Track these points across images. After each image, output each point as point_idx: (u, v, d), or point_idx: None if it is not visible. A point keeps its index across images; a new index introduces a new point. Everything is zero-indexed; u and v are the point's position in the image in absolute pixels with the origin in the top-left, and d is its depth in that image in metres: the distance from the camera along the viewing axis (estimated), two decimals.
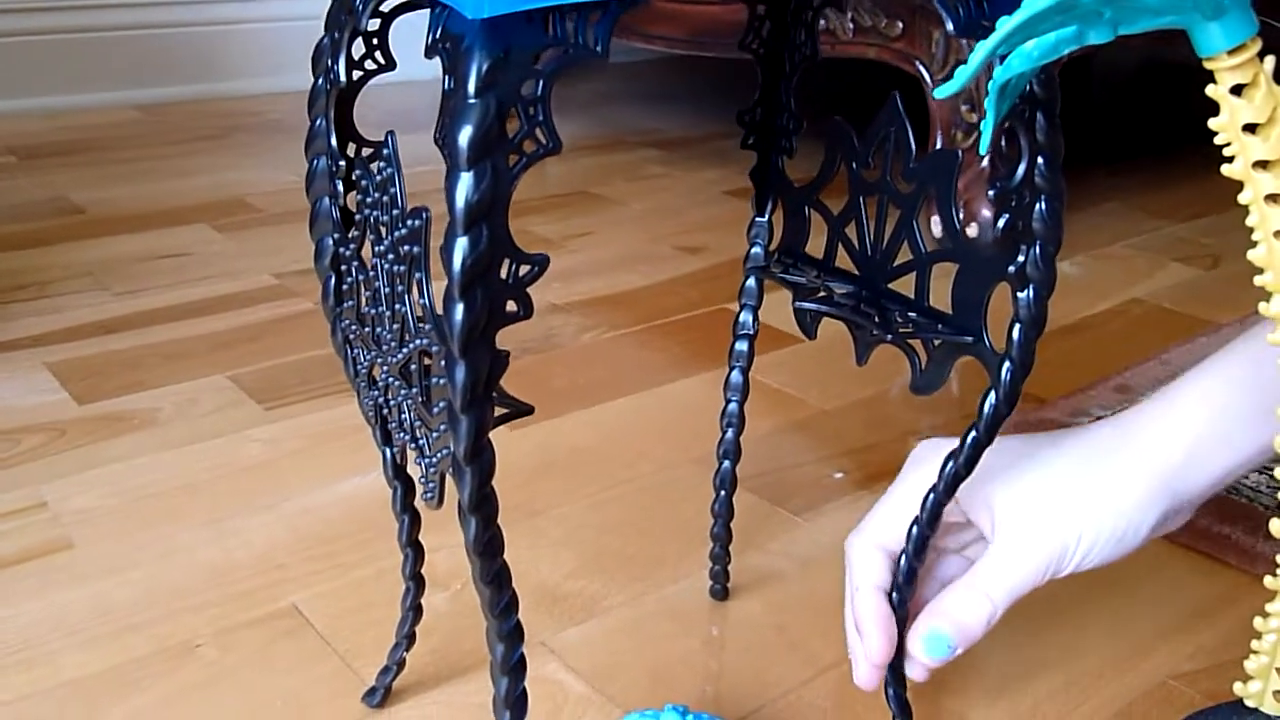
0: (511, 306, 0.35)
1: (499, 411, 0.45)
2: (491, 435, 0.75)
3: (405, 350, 0.41)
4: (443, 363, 0.36)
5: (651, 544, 0.75)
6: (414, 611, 0.57)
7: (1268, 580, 0.44)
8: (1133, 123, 2.08)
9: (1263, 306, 0.39)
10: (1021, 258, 0.46)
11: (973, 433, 0.49)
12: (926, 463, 0.53)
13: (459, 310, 0.33)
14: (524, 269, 0.35)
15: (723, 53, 1.55)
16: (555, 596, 0.69)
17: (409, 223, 0.39)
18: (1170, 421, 0.52)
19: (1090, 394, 0.95)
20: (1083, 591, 0.71)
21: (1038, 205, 0.45)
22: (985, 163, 1.23)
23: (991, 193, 0.45)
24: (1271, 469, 0.82)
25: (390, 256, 0.41)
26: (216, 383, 0.97)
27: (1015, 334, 0.47)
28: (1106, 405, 0.93)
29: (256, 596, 0.69)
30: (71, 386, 0.95)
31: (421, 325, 0.40)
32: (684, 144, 1.85)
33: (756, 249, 0.61)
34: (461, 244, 0.32)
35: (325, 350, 1.01)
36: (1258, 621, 0.45)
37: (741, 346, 0.63)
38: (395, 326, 0.42)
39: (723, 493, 0.66)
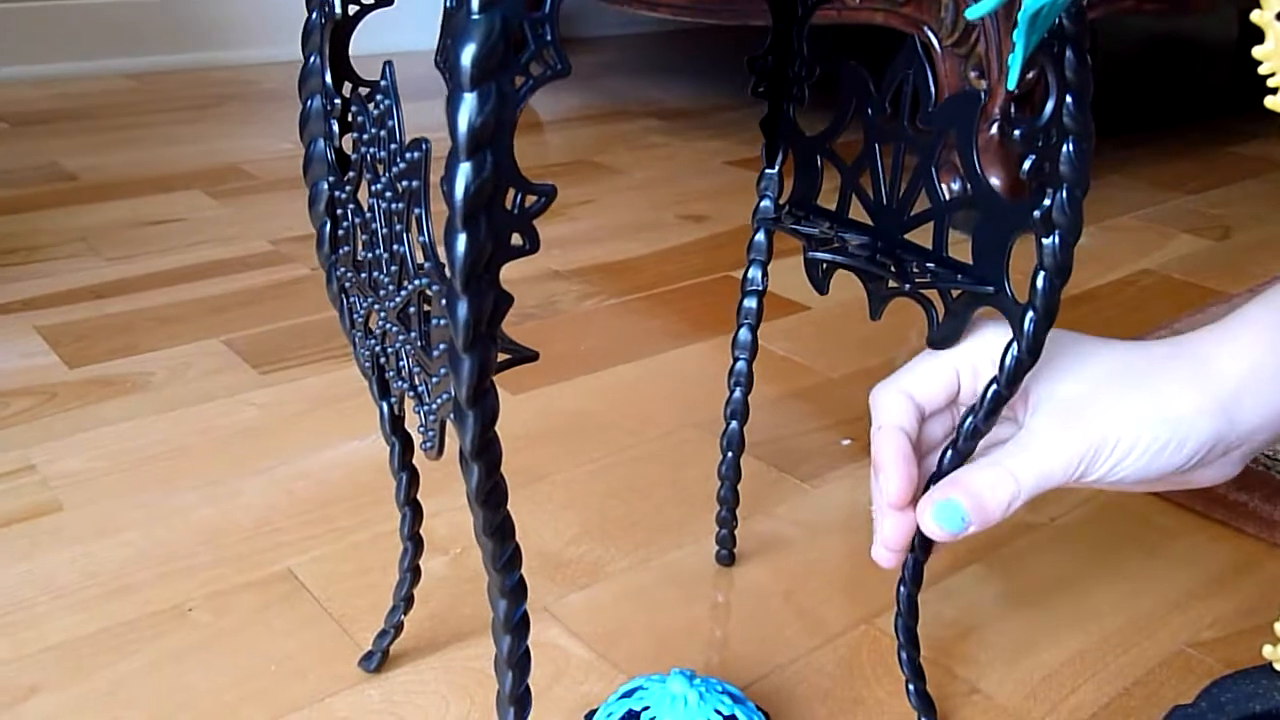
0: (517, 240, 0.33)
1: (502, 357, 0.43)
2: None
3: (404, 293, 0.39)
4: (443, 302, 0.34)
5: (656, 509, 0.73)
6: (412, 573, 0.55)
7: None
8: (1140, 97, 2.06)
9: None
10: (1047, 202, 0.44)
11: (993, 386, 0.47)
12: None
13: (461, 241, 0.31)
14: (530, 199, 0.33)
15: (727, 20, 1.53)
16: (558, 562, 0.68)
17: (408, 155, 0.37)
18: (1229, 345, 0.48)
19: None
20: (1097, 559, 0.69)
21: (1065, 146, 0.43)
22: (995, 129, 1.21)
23: (1017, 132, 0.43)
24: None
25: (388, 195, 0.39)
26: (210, 347, 0.95)
27: (1039, 282, 0.45)
28: None
29: (250, 560, 0.67)
30: (62, 350, 0.93)
31: (421, 265, 0.38)
32: (687, 115, 1.83)
33: (766, 202, 0.59)
34: (464, 170, 0.30)
35: (322, 315, 1.00)
36: None
37: (750, 303, 0.61)
38: (393, 269, 0.40)
39: (729, 454, 0.64)
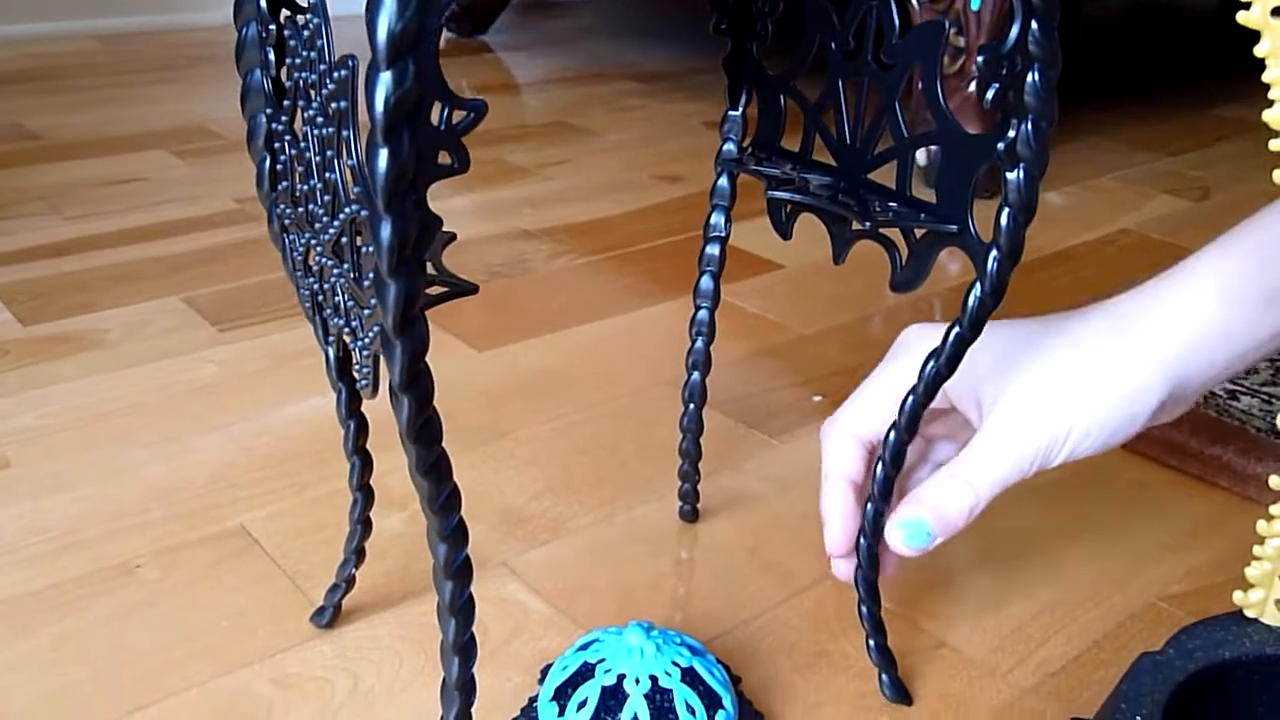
0: (445, 158, 0.31)
1: (438, 290, 0.41)
2: (457, 355, 0.72)
3: (337, 222, 0.38)
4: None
5: (621, 466, 0.72)
6: (362, 525, 0.53)
7: (1273, 480, 0.41)
8: (1121, 62, 2.04)
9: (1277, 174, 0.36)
10: (1011, 134, 0.42)
11: (956, 328, 0.46)
12: (911, 351, 0.50)
13: (383, 157, 0.29)
14: (458, 115, 0.31)
15: None
16: (519, 518, 0.66)
17: (336, 74, 0.35)
18: (1172, 306, 0.48)
19: None
20: (1069, 515, 0.68)
21: (1030, 75, 0.41)
22: (974, 87, 1.19)
23: (980, 58, 0.42)
24: (1266, 390, 0.79)
25: (320, 120, 0.37)
26: (170, 305, 0.92)
27: (1003, 219, 0.43)
28: None
29: (203, 516, 0.65)
30: (16, 308, 0.91)
31: (353, 192, 0.36)
32: (664, 77, 1.80)
33: (729, 145, 0.57)
34: (385, 80, 0.28)
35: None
36: (1261, 525, 0.42)
37: (712, 250, 0.59)
38: (327, 199, 0.38)
39: (691, 406, 0.62)
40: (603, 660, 0.48)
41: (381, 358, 0.35)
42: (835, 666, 0.55)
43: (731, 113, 0.57)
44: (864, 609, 0.53)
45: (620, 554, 0.64)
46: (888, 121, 0.48)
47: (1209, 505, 0.69)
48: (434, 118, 0.31)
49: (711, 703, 0.48)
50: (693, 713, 0.47)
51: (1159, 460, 0.73)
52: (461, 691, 0.40)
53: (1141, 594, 0.61)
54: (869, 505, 0.50)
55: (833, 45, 0.50)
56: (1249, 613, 0.43)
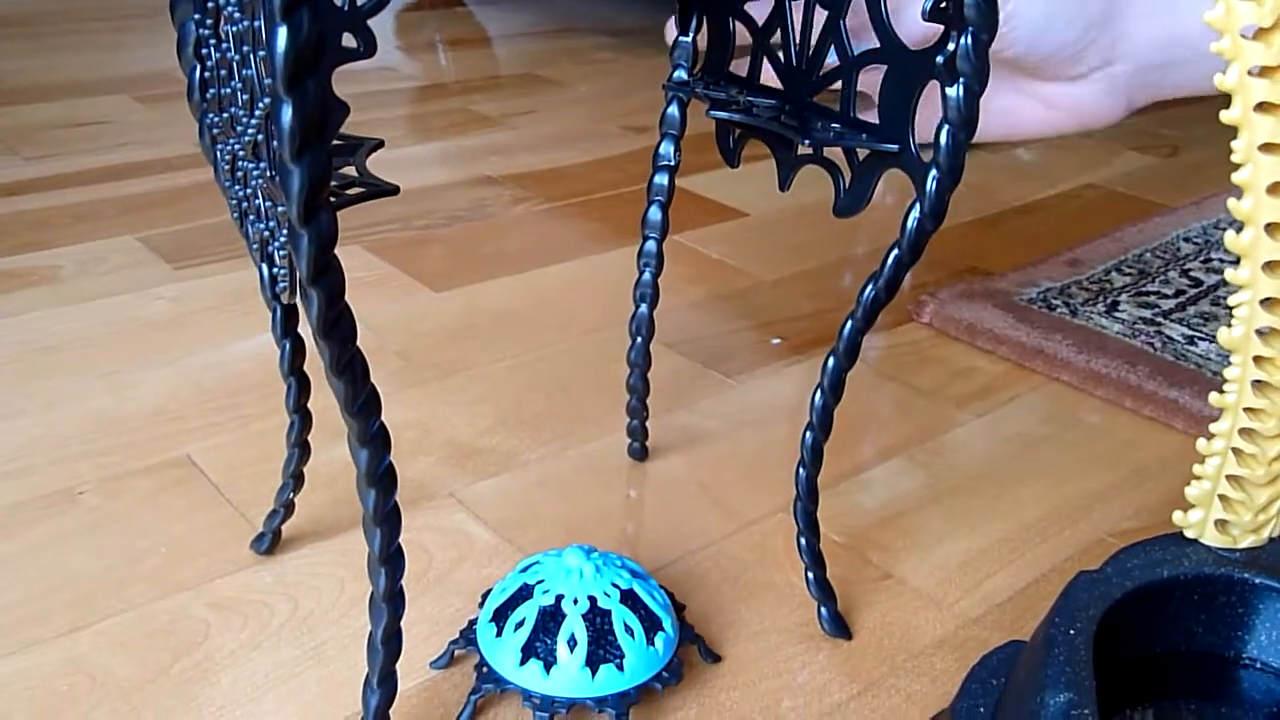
0: (350, 41, 0.30)
1: (356, 190, 0.40)
2: (415, 296, 0.71)
3: (255, 120, 0.37)
4: None
5: (573, 403, 0.71)
6: (300, 449, 0.52)
7: (1213, 396, 0.40)
8: None
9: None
10: (951, 46, 0.41)
11: (895, 251, 0.45)
12: None
13: (281, 35, 0.28)
14: None
15: None
16: (469, 451, 0.65)
17: None
18: None
19: (1041, 267, 0.92)
20: (1022, 454, 0.68)
21: None
22: None
23: None
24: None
25: (236, 15, 0.36)
26: (125, 243, 0.91)
27: (943, 137, 0.42)
28: (1056, 278, 0.89)
29: (148, 446, 0.64)
30: None
31: (265, 85, 0.35)
32: (637, 32, 1.79)
33: (679, 72, 0.56)
34: None
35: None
36: (1201, 444, 0.41)
37: (661, 180, 0.58)
38: (245, 97, 0.37)
39: (639, 340, 0.61)
40: (541, 581, 0.48)
41: None
42: (779, 597, 0.55)
43: (682, 39, 0.55)
44: (803, 541, 0.52)
45: (569, 487, 0.63)
46: (832, 40, 0.48)
47: (1164, 447, 0.69)
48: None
49: (651, 625, 0.47)
50: (631, 634, 0.46)
51: (1116, 403, 0.73)
52: (389, 604, 0.39)
53: (1092, 530, 0.61)
54: (807, 434, 0.50)
55: None
56: (1189, 533, 0.43)
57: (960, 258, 0.95)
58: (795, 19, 0.49)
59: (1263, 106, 0.35)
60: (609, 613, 0.47)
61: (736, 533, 0.60)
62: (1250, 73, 0.34)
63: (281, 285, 0.37)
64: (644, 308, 0.60)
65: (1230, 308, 0.38)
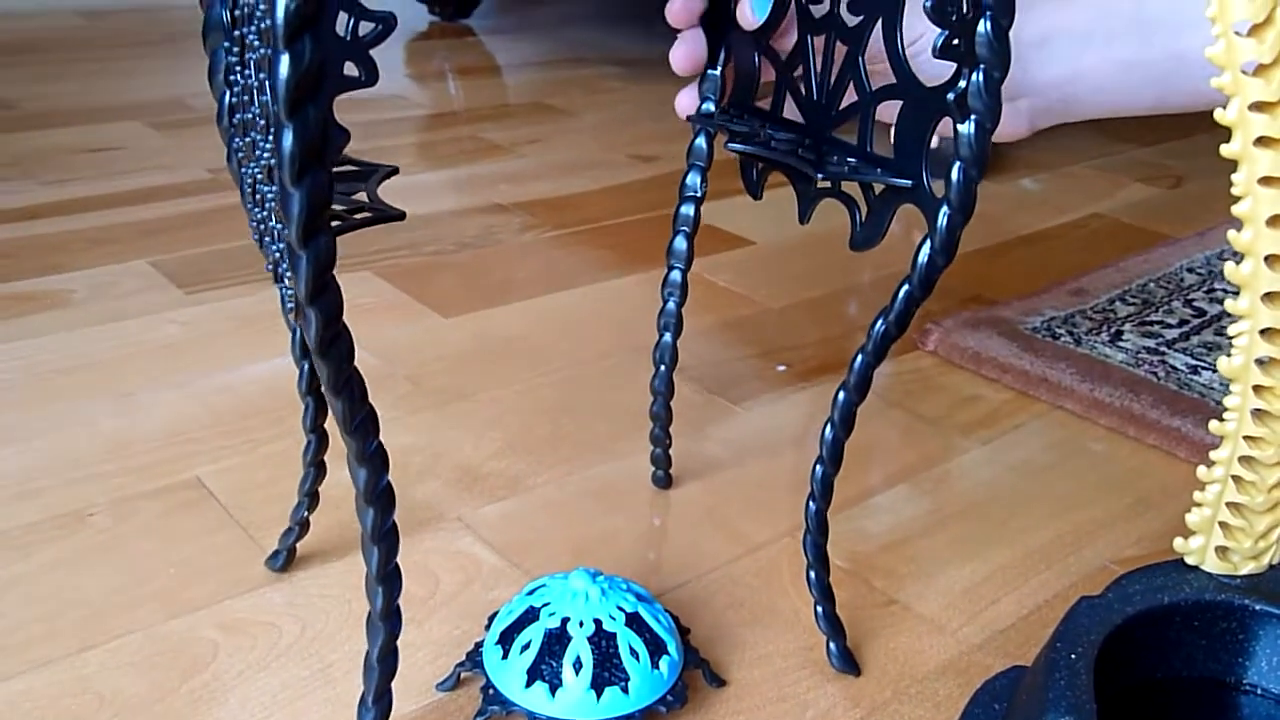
0: (352, 69, 0.31)
1: (363, 215, 0.41)
2: (424, 321, 0.72)
3: (268, 144, 0.37)
4: None
5: (582, 427, 0.72)
6: (315, 468, 0.53)
7: (1212, 425, 0.41)
8: None
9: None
10: (963, 84, 0.42)
11: (905, 286, 0.45)
12: None
13: (284, 63, 0.28)
14: (365, 27, 0.31)
15: None
16: (477, 475, 0.66)
17: None
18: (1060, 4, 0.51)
19: (1045, 296, 0.92)
20: (1027, 481, 0.68)
21: (982, 23, 0.41)
22: None
23: (928, 3, 0.41)
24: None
25: (256, 43, 0.37)
26: (137, 268, 0.92)
27: (954, 174, 0.43)
28: (1060, 308, 0.90)
29: (159, 469, 0.65)
30: None
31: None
32: (646, 62, 1.80)
33: (707, 104, 0.56)
34: None
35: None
36: (1201, 471, 0.42)
37: (687, 210, 0.58)
38: (262, 122, 0.38)
39: (662, 368, 0.61)
40: (547, 604, 0.48)
41: None
42: (784, 622, 0.55)
43: (710, 72, 0.56)
44: (812, 574, 0.52)
45: (575, 510, 0.63)
46: (851, 76, 0.48)
47: (1167, 475, 0.69)
48: (340, 27, 0.31)
49: (656, 649, 0.48)
50: (636, 657, 0.47)
51: (1119, 431, 0.73)
52: (385, 622, 0.39)
53: (1095, 557, 0.61)
54: (817, 467, 0.50)
55: (802, 1, 0.50)
56: (1189, 559, 0.43)
57: (966, 286, 0.96)
58: (816, 54, 0.50)
59: (1262, 141, 0.35)
60: (614, 636, 0.47)
61: (742, 557, 0.60)
62: (1250, 108, 0.35)
63: (290, 305, 0.38)
64: (668, 336, 0.60)
65: (1231, 337, 0.39)
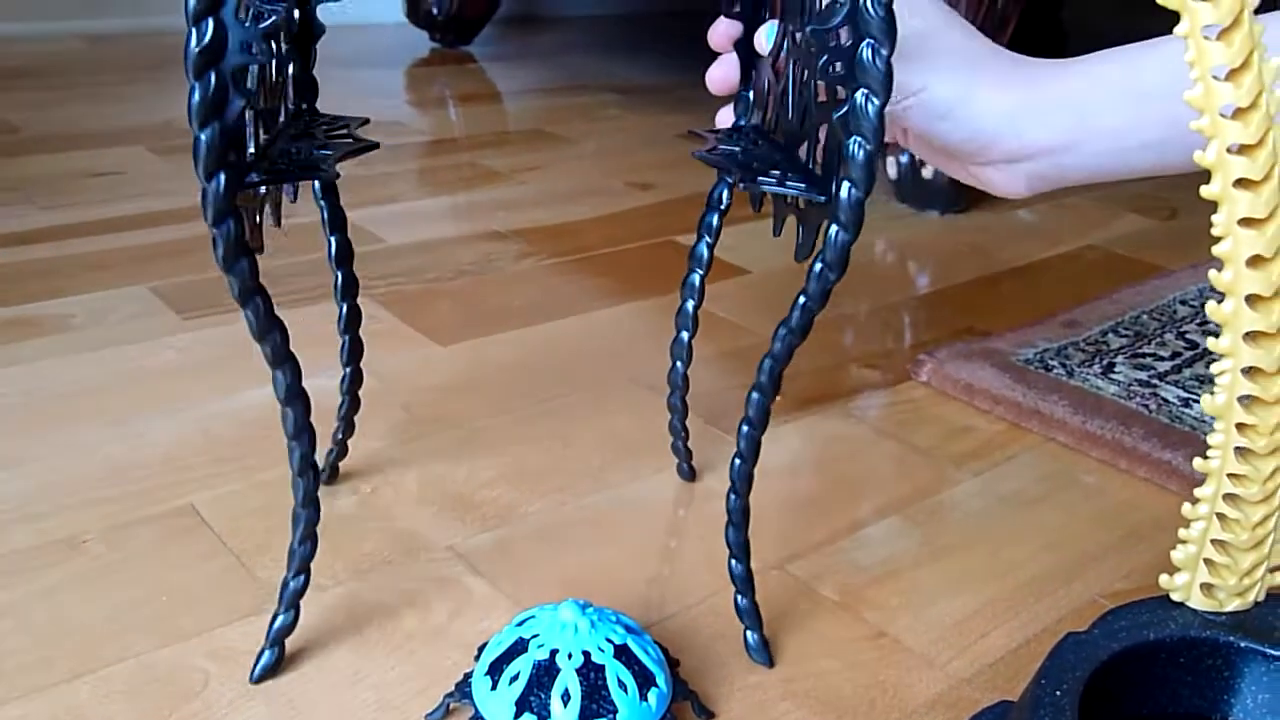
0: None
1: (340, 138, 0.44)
2: (419, 349, 0.72)
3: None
4: None
5: (577, 456, 0.72)
6: (349, 398, 0.61)
7: (1196, 462, 0.41)
8: None
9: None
10: (847, 105, 0.43)
11: (801, 297, 0.47)
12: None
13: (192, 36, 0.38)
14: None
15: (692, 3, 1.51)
16: (469, 504, 0.66)
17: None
18: (1057, 73, 0.52)
19: (1038, 328, 0.93)
20: (1018, 514, 0.68)
21: (863, 49, 0.42)
22: None
23: (809, 29, 0.43)
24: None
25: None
26: (135, 293, 0.93)
27: (841, 191, 0.44)
28: (1053, 339, 0.90)
29: (154, 495, 0.65)
30: None
31: None
32: (645, 90, 1.82)
33: (740, 121, 0.60)
34: None
35: None
36: (1186, 508, 0.42)
37: (711, 219, 0.61)
38: None
39: (679, 364, 0.66)
40: (536, 636, 0.48)
41: None
42: (773, 654, 0.55)
43: (744, 93, 0.59)
44: (732, 563, 0.54)
45: (568, 540, 0.64)
46: (805, 94, 0.49)
47: (1159, 508, 0.70)
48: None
49: (645, 681, 0.48)
50: (625, 689, 0.47)
51: (1111, 464, 0.74)
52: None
53: (1085, 591, 0.62)
54: (731, 496, 0.52)
55: (791, 21, 0.51)
56: (1175, 596, 0.44)
57: (959, 317, 0.96)
58: (793, 75, 0.51)
59: (1241, 182, 0.36)
60: (603, 668, 0.47)
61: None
62: (1229, 150, 0.35)
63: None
64: (679, 364, 0.65)
65: (1214, 375, 0.39)
